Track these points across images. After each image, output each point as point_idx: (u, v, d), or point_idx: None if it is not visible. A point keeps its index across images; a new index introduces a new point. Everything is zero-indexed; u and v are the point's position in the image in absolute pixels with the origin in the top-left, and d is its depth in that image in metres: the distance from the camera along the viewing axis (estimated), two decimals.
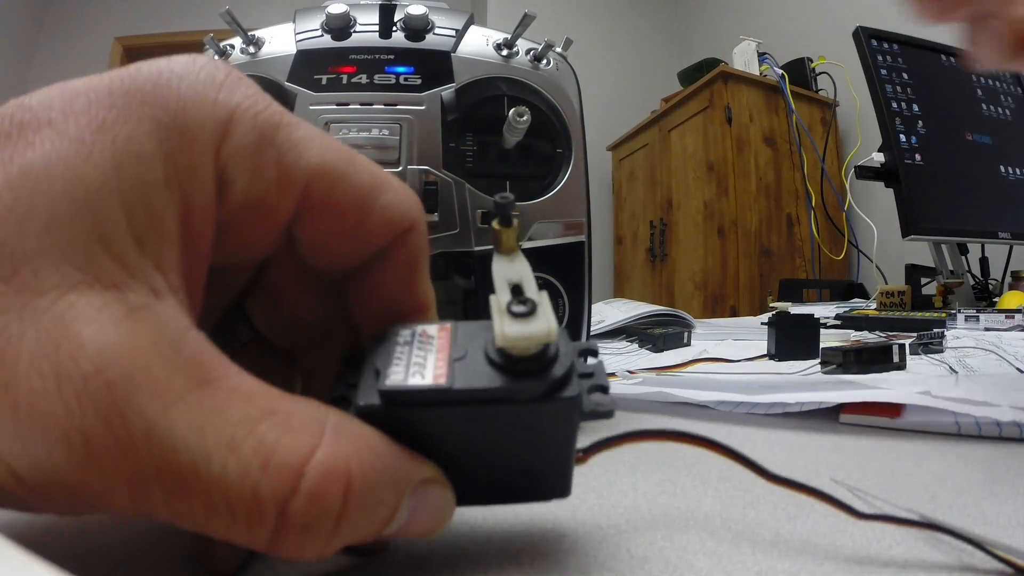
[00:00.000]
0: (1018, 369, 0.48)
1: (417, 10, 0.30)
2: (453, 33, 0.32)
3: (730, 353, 0.65)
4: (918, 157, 1.27)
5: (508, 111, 0.28)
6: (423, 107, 0.28)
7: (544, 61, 0.32)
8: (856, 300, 1.58)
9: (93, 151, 0.13)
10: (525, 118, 0.28)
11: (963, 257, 1.37)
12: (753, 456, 0.18)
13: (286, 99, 0.28)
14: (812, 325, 0.65)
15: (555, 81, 0.32)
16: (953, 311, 1.03)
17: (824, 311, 1.39)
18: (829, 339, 0.76)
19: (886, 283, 1.48)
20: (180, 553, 0.17)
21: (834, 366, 0.48)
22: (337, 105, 0.28)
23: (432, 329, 0.17)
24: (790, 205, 2.36)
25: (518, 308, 0.15)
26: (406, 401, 0.15)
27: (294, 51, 0.30)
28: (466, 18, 0.33)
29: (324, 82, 0.28)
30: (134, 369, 0.12)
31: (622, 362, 0.60)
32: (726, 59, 2.50)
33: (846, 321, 1.08)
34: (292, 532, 0.12)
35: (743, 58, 2.45)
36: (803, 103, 2.34)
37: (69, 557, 0.17)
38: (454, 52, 0.31)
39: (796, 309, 0.80)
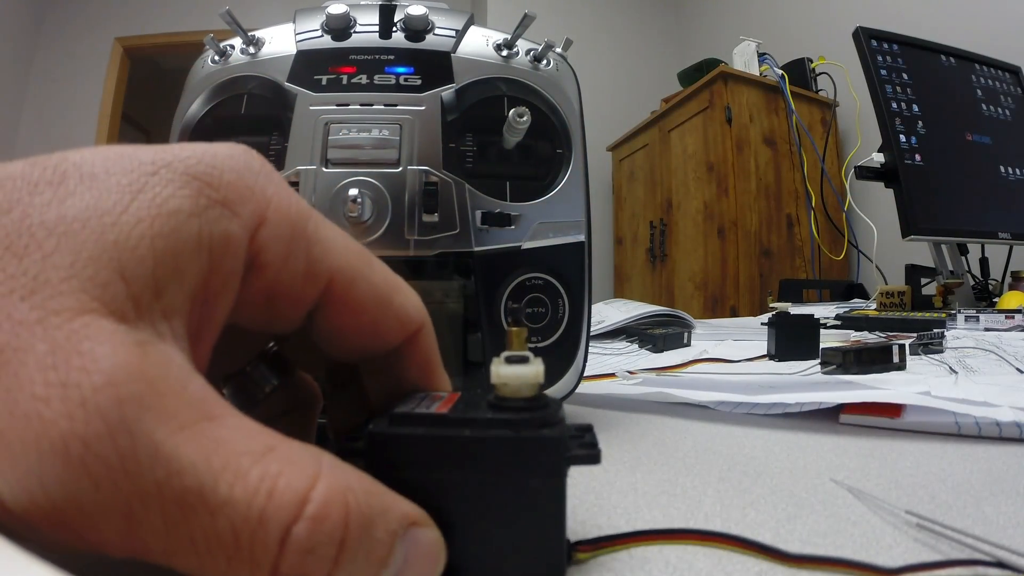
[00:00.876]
0: (1018, 369, 0.48)
1: (417, 11, 0.30)
2: (453, 34, 0.31)
3: (730, 353, 0.65)
4: (918, 157, 1.27)
5: (508, 112, 0.28)
6: (423, 107, 0.28)
7: (544, 61, 0.32)
8: (856, 300, 1.58)
9: (131, 205, 0.13)
10: (525, 118, 0.28)
11: (963, 258, 1.37)
12: (753, 456, 0.18)
13: (286, 100, 0.28)
14: (812, 325, 0.65)
15: (555, 81, 0.32)
16: (953, 311, 1.03)
17: (824, 311, 1.39)
18: (829, 339, 0.76)
19: (886, 283, 1.48)
20: None
21: (834, 366, 0.48)
22: (337, 105, 0.28)
23: (443, 393, 0.19)
24: (790, 205, 2.36)
25: (513, 357, 0.17)
26: (410, 421, 0.16)
27: (294, 51, 0.30)
28: (466, 18, 0.33)
29: (324, 82, 0.28)
30: (145, 391, 0.12)
31: (622, 362, 0.60)
32: (726, 59, 2.50)
33: (846, 321, 1.08)
34: (295, 557, 0.12)
35: (743, 58, 2.45)
36: (803, 103, 2.34)
37: (68, 558, 0.17)
38: (454, 52, 0.31)
39: (796, 309, 0.80)
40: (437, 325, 0.26)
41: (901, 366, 0.48)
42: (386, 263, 0.26)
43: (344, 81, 0.28)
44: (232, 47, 0.31)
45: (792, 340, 0.63)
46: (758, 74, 2.39)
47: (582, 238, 0.31)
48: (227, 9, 0.30)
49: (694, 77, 2.57)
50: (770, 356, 0.63)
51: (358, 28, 0.31)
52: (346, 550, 0.13)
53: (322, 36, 0.31)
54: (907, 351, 0.49)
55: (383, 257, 0.27)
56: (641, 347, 0.70)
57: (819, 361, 0.52)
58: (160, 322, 0.13)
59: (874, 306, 1.29)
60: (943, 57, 1.43)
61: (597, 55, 3.39)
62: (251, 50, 0.30)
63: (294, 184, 0.27)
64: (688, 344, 0.72)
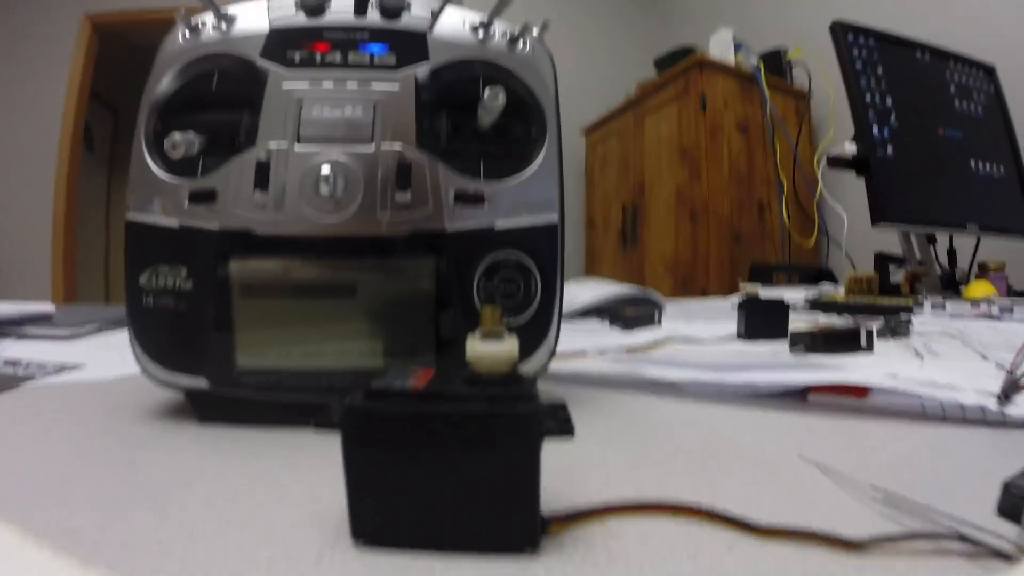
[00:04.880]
0: (982, 355, 0.50)
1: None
2: (429, 14, 0.31)
3: (700, 333, 0.66)
4: (889, 149, 1.31)
5: (484, 92, 0.28)
6: (397, 86, 0.28)
7: (520, 44, 0.32)
8: (825, 284, 1.61)
9: None
10: (500, 99, 0.27)
11: (931, 248, 1.40)
12: (722, 433, 0.18)
13: (259, 77, 0.28)
14: (781, 308, 0.66)
15: (530, 63, 0.32)
16: (921, 298, 1.05)
17: (793, 295, 1.41)
18: (797, 322, 0.78)
19: (855, 270, 1.50)
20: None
21: (802, 347, 0.49)
22: (310, 82, 0.27)
23: (418, 368, 0.20)
24: (762, 192, 2.39)
25: (489, 334, 0.18)
26: (387, 396, 0.17)
27: (267, 29, 0.29)
28: None
29: (297, 60, 0.28)
30: None
31: (594, 341, 0.60)
32: (703, 47, 2.51)
33: (815, 305, 1.09)
34: None
35: (719, 47, 2.47)
36: (777, 93, 2.37)
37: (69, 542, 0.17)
38: (430, 32, 0.30)
39: (766, 293, 0.81)
40: (409, 303, 0.26)
41: (868, 349, 0.49)
42: (359, 242, 0.26)
43: (318, 60, 0.28)
44: (204, 23, 0.30)
45: (761, 322, 0.64)
46: (733, 63, 2.41)
47: (555, 219, 0.31)
48: None
49: (670, 64, 2.58)
50: (739, 336, 0.64)
51: (333, 5, 0.30)
52: None
53: (296, 13, 0.30)
54: (875, 335, 0.50)
55: (355, 236, 0.27)
56: (612, 326, 0.71)
57: (788, 342, 0.52)
58: None
59: (843, 291, 1.32)
60: (918, 52, 1.46)
61: (574, 38, 3.38)
62: (223, 26, 0.30)
63: (265, 163, 0.27)
64: (659, 323, 0.73)
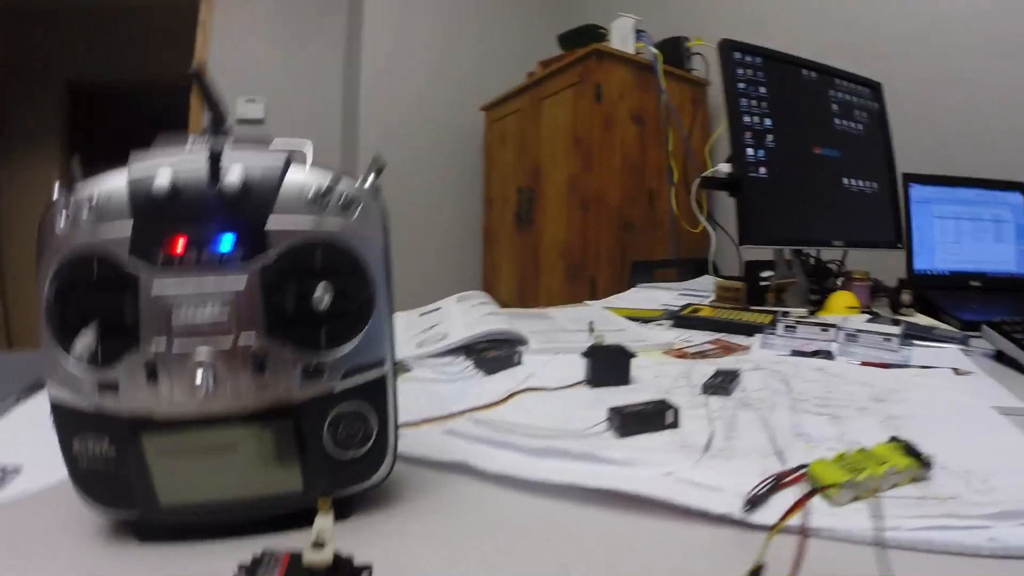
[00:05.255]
0: (791, 404, 0.62)
1: (232, 181, 0.35)
2: (273, 186, 0.36)
3: (553, 377, 0.75)
4: (763, 170, 1.41)
5: (319, 268, 0.36)
6: (244, 282, 0.35)
7: (352, 209, 0.37)
8: (706, 277, 1.75)
9: None
10: (326, 299, 0.35)
11: (799, 258, 1.54)
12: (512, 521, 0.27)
13: (129, 281, 0.34)
14: (623, 356, 0.75)
15: (361, 232, 0.38)
16: (785, 311, 1.23)
17: (667, 297, 1.54)
18: (651, 352, 0.89)
19: (740, 256, 1.60)
20: None
21: (612, 427, 0.56)
22: (175, 286, 0.34)
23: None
24: (653, 180, 2.52)
25: (318, 542, 0.27)
26: None
27: (130, 220, 0.34)
28: (283, 163, 0.37)
29: (160, 261, 0.34)
30: None
31: (452, 394, 0.68)
32: (608, 24, 2.58)
33: (678, 322, 1.20)
34: None
35: (620, 33, 2.53)
36: (675, 81, 2.49)
37: None
38: (270, 217, 0.36)
39: (612, 336, 0.91)
40: (277, 455, 0.34)
41: (674, 426, 0.56)
42: (232, 417, 0.33)
43: (176, 263, 0.34)
44: (78, 206, 0.35)
45: (605, 370, 0.74)
46: (633, 51, 2.49)
47: (385, 372, 0.39)
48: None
49: (574, 42, 2.63)
50: (587, 382, 0.74)
51: (185, 179, 0.35)
52: None
53: (156, 185, 0.35)
54: (679, 415, 0.57)
55: (228, 414, 0.34)
56: (477, 368, 0.79)
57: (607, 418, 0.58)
58: None
59: (714, 296, 1.45)
60: (804, 71, 1.55)
61: (479, 10, 3.38)
62: (93, 213, 0.35)
63: (152, 363, 0.34)
64: (519, 363, 0.82)
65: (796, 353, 0.93)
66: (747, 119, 1.39)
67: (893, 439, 0.49)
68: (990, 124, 1.89)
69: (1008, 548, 0.37)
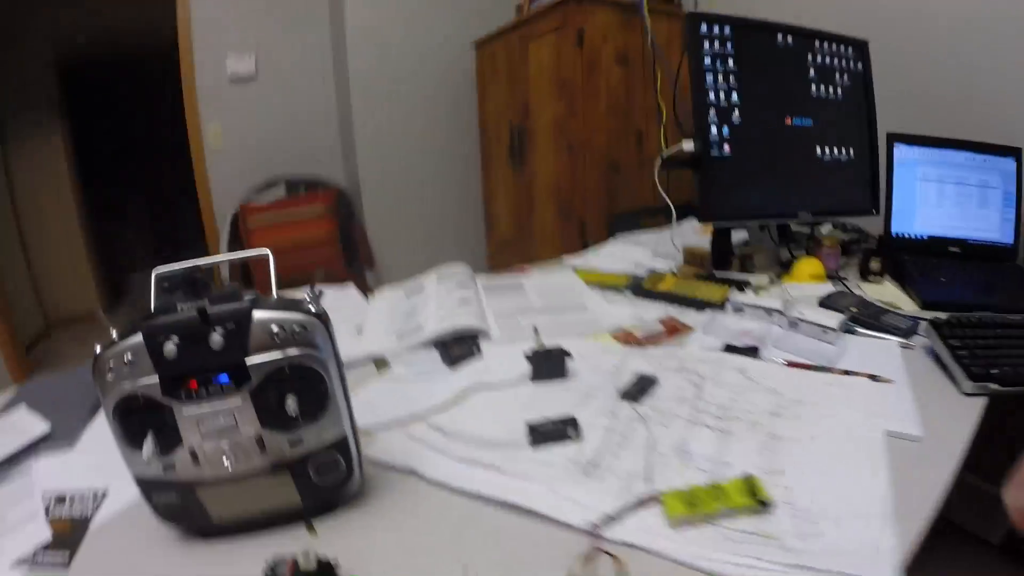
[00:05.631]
0: (690, 415, 0.80)
1: (218, 336, 0.53)
2: (246, 333, 0.53)
3: (503, 369, 0.93)
4: (726, 148, 1.36)
5: (288, 382, 0.55)
6: (240, 400, 0.54)
7: (305, 329, 0.55)
8: (691, 220, 1.74)
9: None
10: (292, 407, 0.54)
11: (765, 230, 1.55)
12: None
13: (164, 409, 0.53)
14: (561, 356, 0.92)
15: (312, 351, 0.55)
16: (747, 280, 1.28)
17: (640, 255, 1.62)
18: (602, 335, 1.04)
19: None
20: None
21: (528, 437, 0.73)
22: (198, 408, 0.53)
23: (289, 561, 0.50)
24: (640, 121, 2.50)
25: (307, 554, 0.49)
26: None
27: (156, 378, 0.53)
28: (248, 307, 0.54)
29: (183, 396, 0.53)
30: None
31: (418, 394, 0.87)
32: None
33: (638, 291, 1.31)
34: None
35: None
36: (662, 18, 2.39)
37: None
38: (247, 357, 0.54)
39: (572, 316, 1.08)
40: (282, 487, 0.57)
41: (577, 438, 0.72)
42: (249, 474, 0.55)
43: (194, 395, 0.53)
44: (118, 365, 0.53)
45: (546, 369, 0.91)
46: None
47: (345, 432, 0.59)
48: None
49: None
50: (532, 379, 0.91)
51: (184, 344, 0.53)
52: None
53: (166, 350, 0.53)
54: (581, 431, 0.73)
55: (247, 473, 0.56)
56: (443, 362, 0.98)
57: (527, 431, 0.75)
58: None
59: (682, 259, 1.51)
60: (779, 36, 1.44)
61: None
62: (132, 372, 0.53)
63: (195, 453, 0.55)
64: (479, 353, 1.00)
65: (728, 348, 1.00)
66: (712, 96, 1.35)
67: (748, 476, 0.60)
68: (982, 88, 1.76)
69: None
